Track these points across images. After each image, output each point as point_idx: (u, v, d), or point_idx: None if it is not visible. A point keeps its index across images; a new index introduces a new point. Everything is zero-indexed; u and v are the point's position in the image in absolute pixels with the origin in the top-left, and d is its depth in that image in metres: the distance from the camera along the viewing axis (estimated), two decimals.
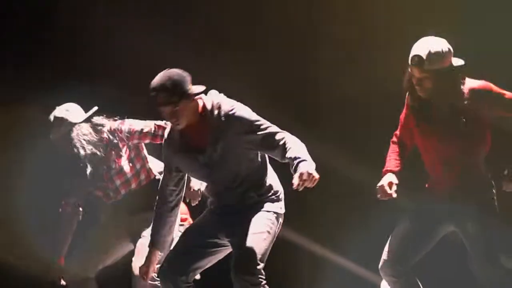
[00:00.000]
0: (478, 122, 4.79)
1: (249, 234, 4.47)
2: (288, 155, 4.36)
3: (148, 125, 5.30)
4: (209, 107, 4.51)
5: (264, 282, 4.46)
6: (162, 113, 4.47)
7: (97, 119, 5.36)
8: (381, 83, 6.66)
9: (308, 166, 4.25)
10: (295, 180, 4.21)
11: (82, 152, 5.24)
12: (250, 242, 4.44)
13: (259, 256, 4.43)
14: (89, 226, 5.48)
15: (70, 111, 5.35)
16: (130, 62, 7.25)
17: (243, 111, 4.50)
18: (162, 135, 5.00)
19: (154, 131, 5.27)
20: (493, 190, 4.88)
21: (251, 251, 4.42)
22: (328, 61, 7.29)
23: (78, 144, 5.25)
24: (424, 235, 4.91)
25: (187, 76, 4.46)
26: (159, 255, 4.77)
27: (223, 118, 4.47)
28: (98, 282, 5.45)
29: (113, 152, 5.33)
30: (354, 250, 7.33)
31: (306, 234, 6.80)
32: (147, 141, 5.35)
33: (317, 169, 4.32)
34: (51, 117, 5.35)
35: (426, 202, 4.96)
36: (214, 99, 4.54)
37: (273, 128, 4.48)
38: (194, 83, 4.50)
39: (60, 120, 5.32)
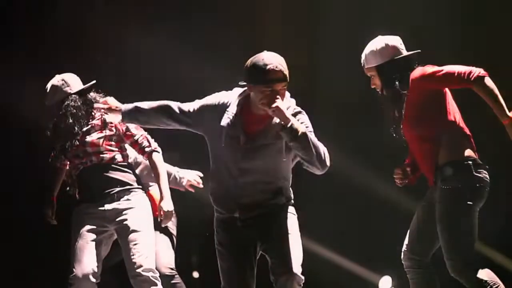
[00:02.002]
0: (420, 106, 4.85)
1: (291, 237, 4.53)
2: None
3: (143, 135, 5.41)
4: None
5: None
6: (267, 91, 4.42)
7: (93, 95, 5.46)
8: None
9: (289, 115, 4.36)
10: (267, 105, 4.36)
11: (68, 121, 5.35)
12: (293, 245, 4.51)
13: (301, 258, 4.54)
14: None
15: (67, 81, 5.46)
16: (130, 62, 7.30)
17: (306, 118, 4.58)
18: (149, 151, 5.38)
19: (144, 145, 5.43)
20: (464, 175, 4.79)
21: (297, 254, 4.51)
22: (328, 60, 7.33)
23: (67, 114, 5.37)
24: (430, 222, 4.90)
25: None
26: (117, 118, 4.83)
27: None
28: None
29: (99, 124, 5.41)
30: (353, 249, 7.37)
31: (305, 233, 6.81)
32: (134, 149, 5.50)
33: None
34: (48, 85, 5.48)
35: (430, 190, 5.00)
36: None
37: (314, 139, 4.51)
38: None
39: (55, 88, 5.45)
